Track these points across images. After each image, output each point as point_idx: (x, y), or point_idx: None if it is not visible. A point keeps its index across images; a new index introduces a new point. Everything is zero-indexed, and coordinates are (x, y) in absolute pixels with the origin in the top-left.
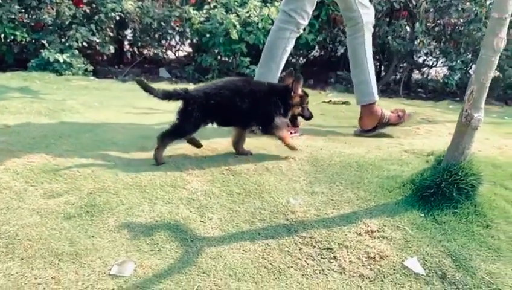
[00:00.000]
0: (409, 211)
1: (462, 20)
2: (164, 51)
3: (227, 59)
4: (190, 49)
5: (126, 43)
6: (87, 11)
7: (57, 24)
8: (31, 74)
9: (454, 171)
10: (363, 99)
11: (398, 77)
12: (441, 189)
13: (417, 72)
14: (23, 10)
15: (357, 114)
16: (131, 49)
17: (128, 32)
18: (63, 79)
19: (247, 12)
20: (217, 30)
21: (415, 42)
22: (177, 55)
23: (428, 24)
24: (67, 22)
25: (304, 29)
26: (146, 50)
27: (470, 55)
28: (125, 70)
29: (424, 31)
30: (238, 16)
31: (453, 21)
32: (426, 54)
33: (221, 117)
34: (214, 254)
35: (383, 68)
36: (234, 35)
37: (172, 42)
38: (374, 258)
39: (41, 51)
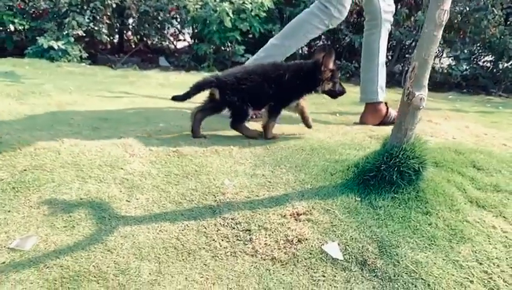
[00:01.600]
0: (345, 194)
1: (468, 9)
2: (163, 39)
3: (222, 47)
4: (190, 39)
5: (129, 32)
6: None
7: (54, 12)
8: (23, 60)
9: (395, 153)
10: (365, 97)
11: (404, 67)
12: (381, 172)
13: None
14: None
15: (340, 102)
16: (132, 38)
17: (130, 22)
18: (54, 65)
19: None
20: (211, 18)
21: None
22: (175, 44)
23: None
24: (63, 10)
25: None
26: (146, 39)
27: (477, 45)
28: (125, 58)
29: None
30: (231, 3)
31: (457, 9)
32: None
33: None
34: (127, 233)
35: (389, 58)
36: (228, 22)
37: (172, 31)
38: (292, 241)
39: (38, 38)
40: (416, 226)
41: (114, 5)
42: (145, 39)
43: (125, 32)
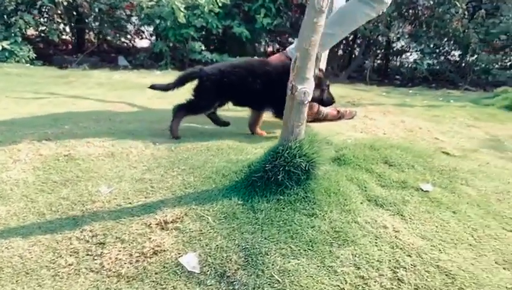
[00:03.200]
0: (228, 198)
1: (432, 2)
2: (122, 38)
3: (178, 44)
4: (151, 37)
5: (91, 32)
6: None
7: (0, 11)
8: None
9: (280, 152)
10: None
11: (374, 63)
12: (267, 173)
13: (396, 58)
14: None
15: None
16: (89, 38)
17: (87, 20)
18: None
19: None
20: (165, 14)
21: (388, 27)
22: (133, 42)
23: (402, 7)
24: (10, 8)
25: (259, 13)
26: (104, 38)
27: (444, 40)
28: (81, 58)
29: (393, 15)
30: None
31: (421, 2)
32: (398, 39)
33: (235, 97)
34: None
35: (355, 54)
36: (182, 18)
37: (131, 29)
38: (146, 254)
39: None
40: (297, 230)
41: (65, 3)
42: (102, 38)
43: (87, 31)
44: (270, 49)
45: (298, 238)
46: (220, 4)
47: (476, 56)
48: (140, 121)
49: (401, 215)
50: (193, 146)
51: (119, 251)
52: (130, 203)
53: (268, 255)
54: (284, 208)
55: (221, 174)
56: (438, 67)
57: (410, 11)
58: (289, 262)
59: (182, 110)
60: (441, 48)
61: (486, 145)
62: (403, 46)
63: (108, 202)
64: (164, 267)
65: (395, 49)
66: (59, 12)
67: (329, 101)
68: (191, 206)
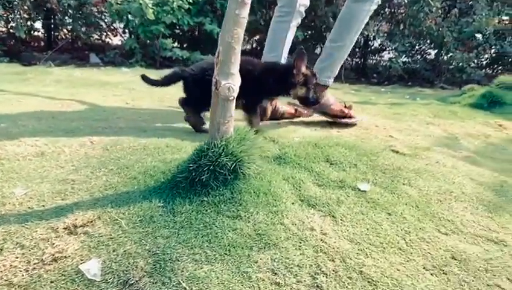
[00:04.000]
0: (149, 200)
1: (406, 0)
2: (93, 35)
3: (149, 41)
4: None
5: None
6: None
7: None
8: None
9: (205, 151)
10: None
11: (352, 62)
12: (191, 173)
13: (373, 57)
14: None
15: None
16: (60, 34)
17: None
18: None
19: None
20: (133, 10)
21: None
22: (104, 39)
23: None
24: None
25: None
26: (73, 35)
27: (420, 38)
28: (52, 55)
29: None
30: None
31: (395, 1)
32: (375, 37)
33: None
34: None
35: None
36: (150, 15)
37: (104, 25)
38: (45, 261)
39: None
40: (217, 233)
41: None
42: (73, 35)
43: (60, 28)
44: (248, 47)
45: (216, 242)
46: (191, 0)
47: (450, 54)
48: (85, 119)
49: (333, 216)
50: (130, 145)
51: (17, 257)
52: (43, 205)
53: (179, 261)
54: (206, 210)
55: (148, 174)
56: (413, 65)
57: (387, 9)
58: (201, 268)
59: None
60: (416, 47)
61: (441, 143)
62: (380, 44)
63: (20, 205)
64: (62, 275)
65: (372, 47)
66: (25, 8)
67: (314, 100)
68: (106, 209)
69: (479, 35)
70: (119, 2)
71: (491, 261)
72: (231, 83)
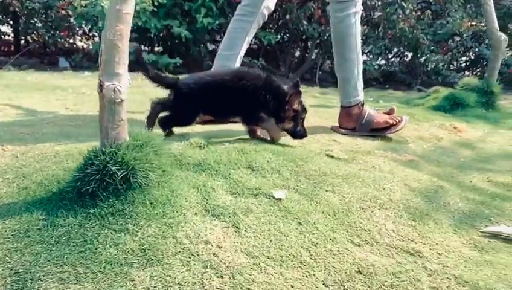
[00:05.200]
0: (30, 212)
1: (380, 3)
2: (59, 39)
3: None
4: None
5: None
6: None
7: None
8: None
9: (92, 159)
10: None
11: (332, 65)
12: (77, 183)
13: None
14: None
15: None
16: (25, 38)
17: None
18: None
19: None
20: (97, 13)
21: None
22: (76, 43)
23: None
24: None
25: (200, 12)
26: (39, 38)
27: (395, 41)
28: (19, 59)
29: None
30: None
31: (369, 3)
32: None
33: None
34: None
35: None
36: None
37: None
38: None
39: None
40: (96, 249)
41: None
42: (40, 38)
43: (28, 32)
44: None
45: (93, 258)
46: (156, 3)
47: (425, 57)
48: (10, 125)
49: (236, 227)
50: (43, 152)
51: None
52: None
53: (41, 280)
54: (91, 224)
55: (43, 184)
56: (390, 68)
57: (363, 12)
58: (68, 288)
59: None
60: (395, 49)
61: (387, 147)
62: None
63: None
64: None
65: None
66: None
67: (301, 135)
68: None
69: (457, 38)
70: (83, 5)
71: (400, 274)
72: (117, 84)
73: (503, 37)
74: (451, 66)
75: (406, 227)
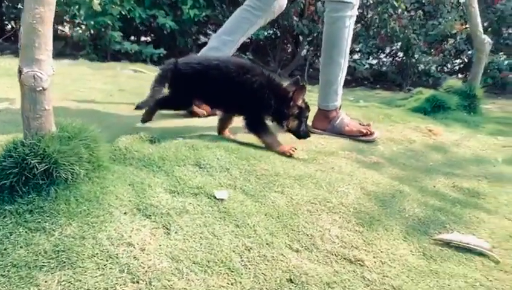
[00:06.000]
0: None
1: (372, 1)
2: None
3: (101, 34)
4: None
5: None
6: None
7: None
8: None
9: (11, 151)
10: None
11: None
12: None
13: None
14: None
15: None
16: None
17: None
18: None
19: None
20: (80, 1)
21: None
22: (60, 30)
23: None
24: None
25: (186, 3)
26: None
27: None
28: (7, 45)
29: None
30: None
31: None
32: None
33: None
34: None
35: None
36: (96, 6)
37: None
38: None
39: None
40: (5, 250)
41: None
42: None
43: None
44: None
45: None
46: None
47: (416, 57)
48: None
49: (167, 228)
50: None
51: None
52: None
53: None
54: (5, 222)
55: None
56: (381, 68)
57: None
58: None
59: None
60: (384, 49)
61: (354, 147)
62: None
63: None
64: None
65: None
66: None
67: (305, 134)
68: None
69: (451, 40)
70: None
71: (334, 284)
72: (37, 70)
73: (487, 40)
74: (445, 68)
75: (352, 233)
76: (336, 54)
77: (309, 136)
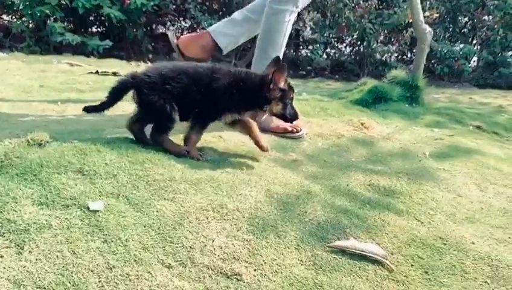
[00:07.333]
0: None
1: None
2: None
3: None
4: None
5: None
6: None
7: None
8: None
9: None
10: None
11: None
12: None
13: (306, 48)
14: None
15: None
16: None
17: None
18: None
19: None
20: None
21: None
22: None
23: None
24: None
25: None
26: None
27: (344, 30)
28: None
29: None
30: None
31: None
32: (301, 28)
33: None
34: None
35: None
36: None
37: None
38: None
39: None
40: None
41: None
42: None
43: None
44: (161, 31)
45: None
46: None
47: (373, 47)
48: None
49: (20, 247)
50: None
51: None
52: None
53: None
54: None
55: None
56: (338, 58)
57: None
58: None
59: (157, 132)
60: (344, 39)
61: (276, 145)
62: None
63: None
64: None
65: (306, 38)
66: None
67: (293, 117)
68: None
69: (410, 31)
70: None
71: None
72: None
73: (428, 29)
74: (404, 58)
75: (239, 242)
76: (271, 49)
77: (297, 117)
